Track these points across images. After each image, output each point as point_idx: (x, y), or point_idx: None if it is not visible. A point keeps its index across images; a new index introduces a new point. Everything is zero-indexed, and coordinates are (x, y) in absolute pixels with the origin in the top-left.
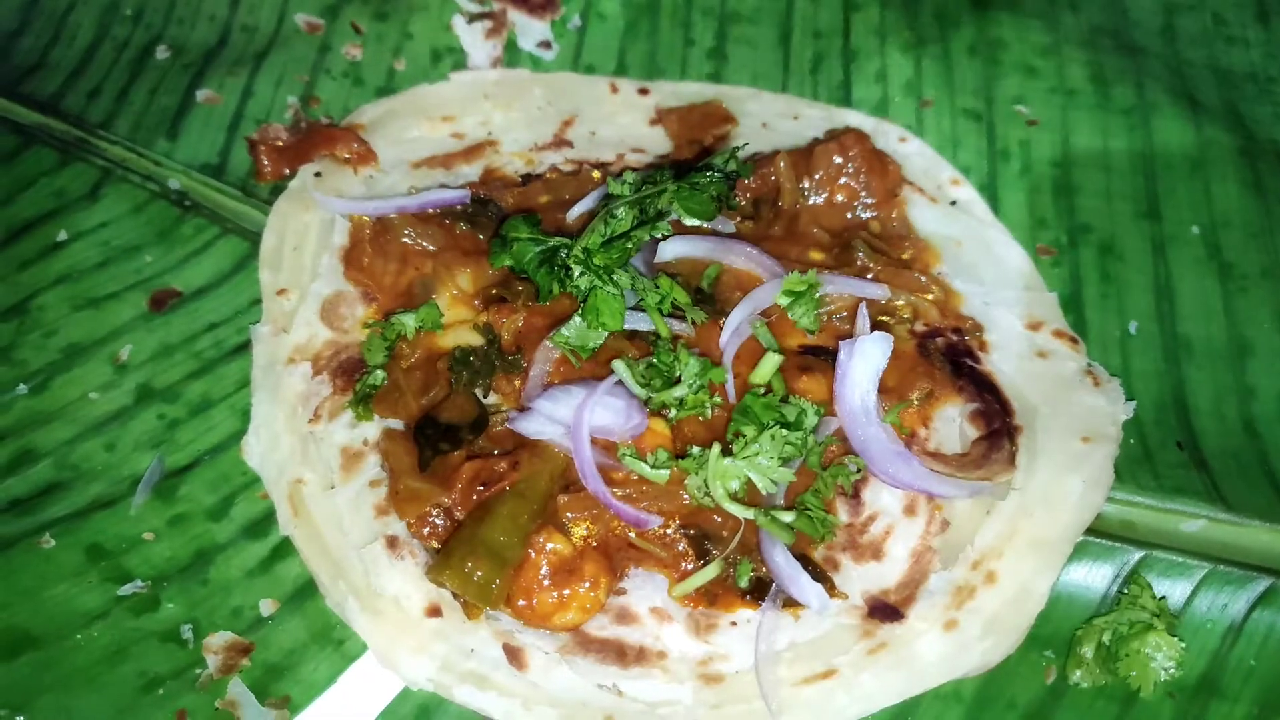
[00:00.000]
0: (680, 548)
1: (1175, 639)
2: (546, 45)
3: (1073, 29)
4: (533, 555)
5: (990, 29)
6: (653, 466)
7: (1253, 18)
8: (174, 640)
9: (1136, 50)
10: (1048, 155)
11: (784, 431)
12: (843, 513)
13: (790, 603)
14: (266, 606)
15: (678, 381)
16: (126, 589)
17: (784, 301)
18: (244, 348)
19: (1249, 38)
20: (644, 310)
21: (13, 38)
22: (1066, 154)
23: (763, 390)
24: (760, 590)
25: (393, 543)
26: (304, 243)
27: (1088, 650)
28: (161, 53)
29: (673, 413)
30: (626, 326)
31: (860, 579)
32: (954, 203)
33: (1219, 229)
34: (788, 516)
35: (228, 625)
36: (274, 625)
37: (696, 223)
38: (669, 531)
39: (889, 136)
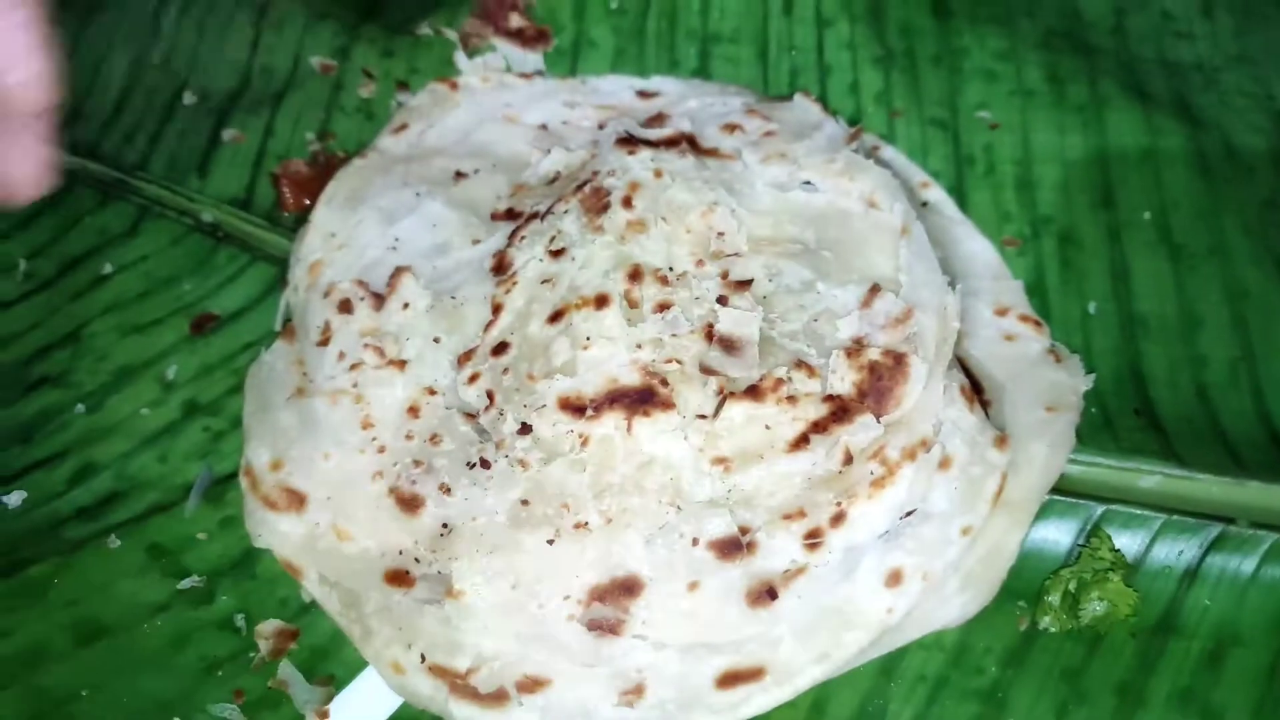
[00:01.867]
0: None
1: (1131, 590)
2: (539, 74)
3: (1029, 33)
4: None
5: (952, 38)
6: None
7: (1198, 12)
8: (229, 628)
9: (1090, 49)
10: (1009, 155)
11: None
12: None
13: None
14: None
15: None
16: (185, 583)
17: None
18: None
19: (1195, 31)
20: None
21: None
22: (1027, 152)
23: None
24: None
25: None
26: None
27: (1055, 599)
28: (189, 98)
29: None
30: None
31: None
32: (925, 204)
33: (1169, 212)
34: None
35: (275, 614)
36: (317, 612)
37: None
38: None
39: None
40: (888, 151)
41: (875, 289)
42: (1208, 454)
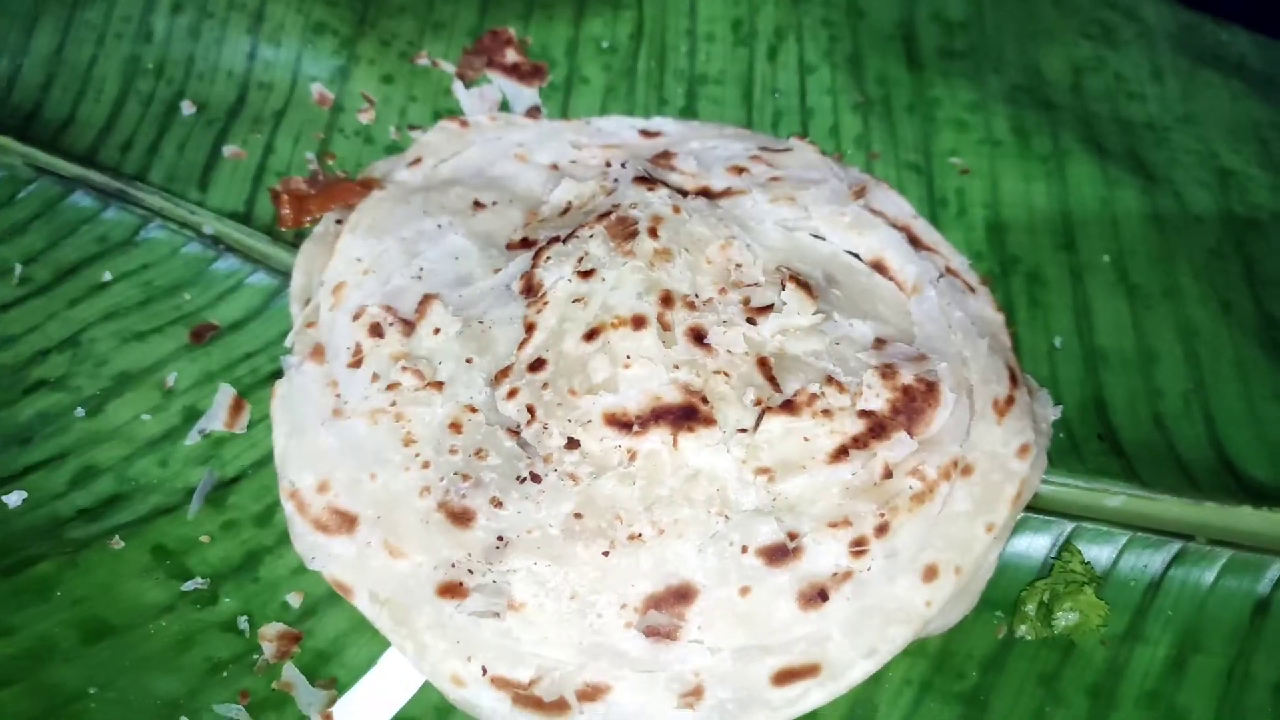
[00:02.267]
0: None
1: (1101, 601)
2: (537, 111)
3: (996, 88)
4: None
5: (926, 89)
6: None
7: (1148, 76)
8: (233, 630)
9: (1051, 105)
10: (980, 199)
11: None
12: None
13: None
14: (296, 599)
15: None
16: (189, 585)
17: None
18: (277, 374)
19: (1146, 93)
20: None
21: (42, 91)
22: (996, 197)
23: None
24: None
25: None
26: None
27: (1030, 608)
28: (187, 109)
29: None
30: None
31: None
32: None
33: (1126, 256)
34: None
35: (278, 617)
36: (319, 616)
37: None
38: None
39: None
40: (879, 192)
41: (881, 342)
42: (1167, 476)
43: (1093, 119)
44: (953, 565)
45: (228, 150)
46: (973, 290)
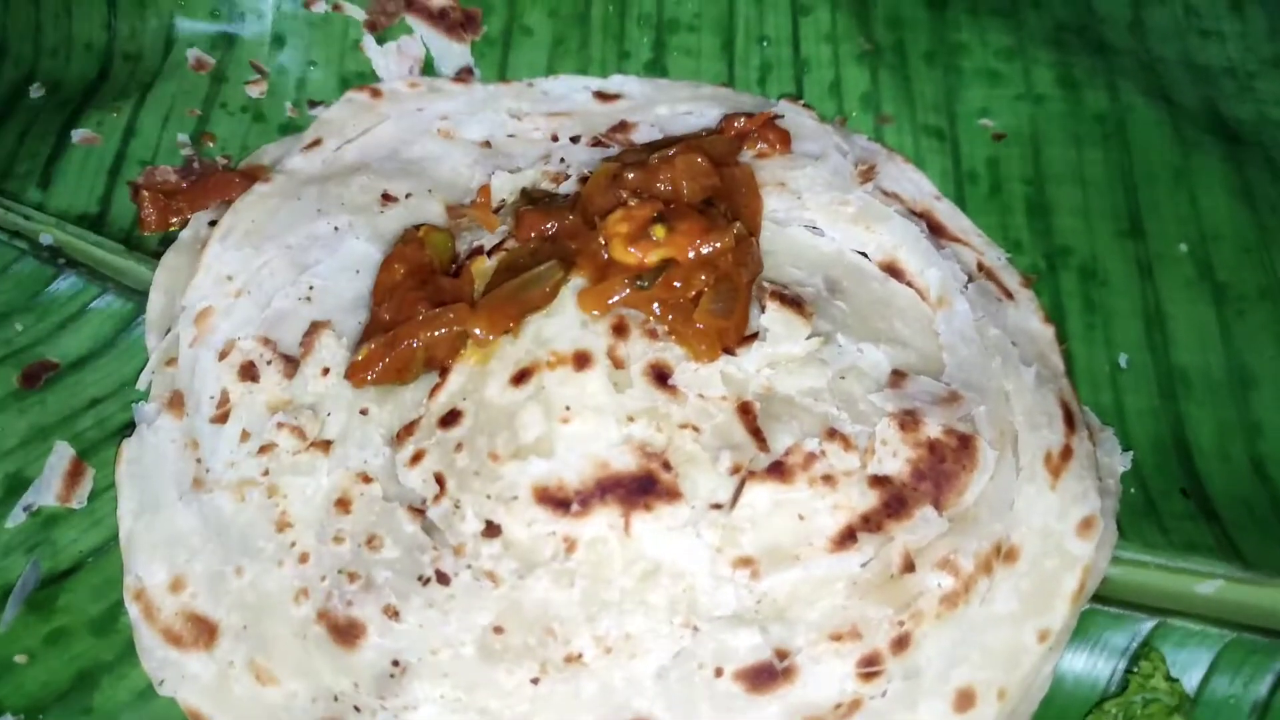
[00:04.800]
0: None
1: None
2: (469, 73)
3: (1036, 28)
4: None
5: (949, 32)
6: None
7: (1226, 8)
8: None
9: (1106, 48)
10: (1018, 172)
11: None
12: None
13: None
14: None
15: None
16: None
17: None
18: (131, 427)
19: (1224, 30)
20: None
21: None
22: (1039, 169)
23: None
24: None
25: None
26: None
27: None
28: (35, 91)
29: None
30: None
31: None
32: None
33: (1209, 245)
34: None
35: None
36: None
37: None
38: None
39: None
40: (891, 168)
41: (899, 376)
42: (1275, 550)
43: (1158, 65)
44: (994, 687)
45: (78, 135)
46: (1011, 296)
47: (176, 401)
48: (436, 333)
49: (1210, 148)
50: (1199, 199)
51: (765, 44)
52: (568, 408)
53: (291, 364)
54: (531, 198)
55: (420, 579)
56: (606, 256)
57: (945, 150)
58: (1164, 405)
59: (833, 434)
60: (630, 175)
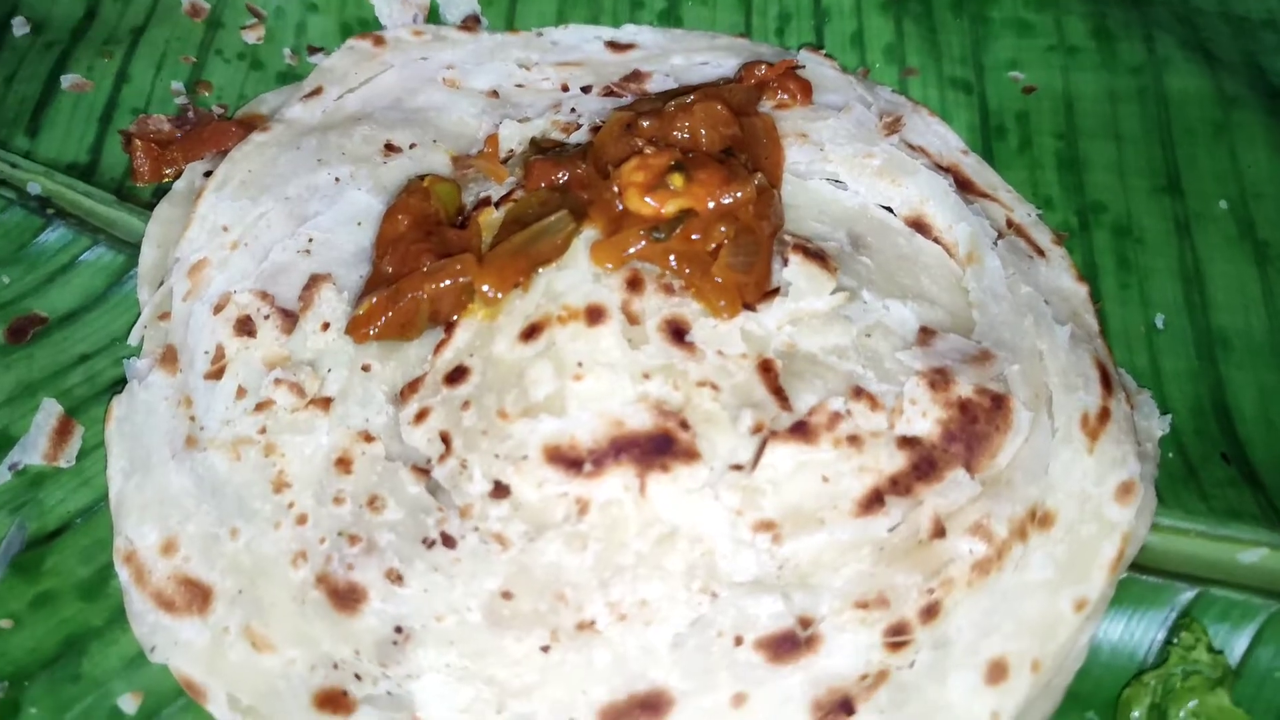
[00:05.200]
0: None
1: (1236, 709)
2: (475, 21)
3: None
4: None
5: None
6: None
7: None
8: None
9: None
10: (1049, 126)
11: None
12: None
13: None
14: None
15: None
16: None
17: None
18: (122, 384)
19: None
20: None
21: None
22: (1070, 124)
23: None
24: None
25: None
26: None
27: (1137, 713)
28: (19, 28)
29: None
30: None
31: None
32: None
33: (1250, 203)
34: None
35: None
36: None
37: None
38: None
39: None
40: (917, 121)
41: (928, 333)
42: None
43: (1196, 17)
44: (1028, 659)
45: (68, 80)
46: (1042, 254)
47: (169, 357)
48: (441, 285)
49: (1251, 102)
50: (1239, 155)
51: None
52: (580, 364)
53: (290, 319)
54: (541, 147)
55: (424, 542)
56: (621, 207)
57: (972, 104)
58: (1203, 368)
59: (859, 393)
60: (646, 123)
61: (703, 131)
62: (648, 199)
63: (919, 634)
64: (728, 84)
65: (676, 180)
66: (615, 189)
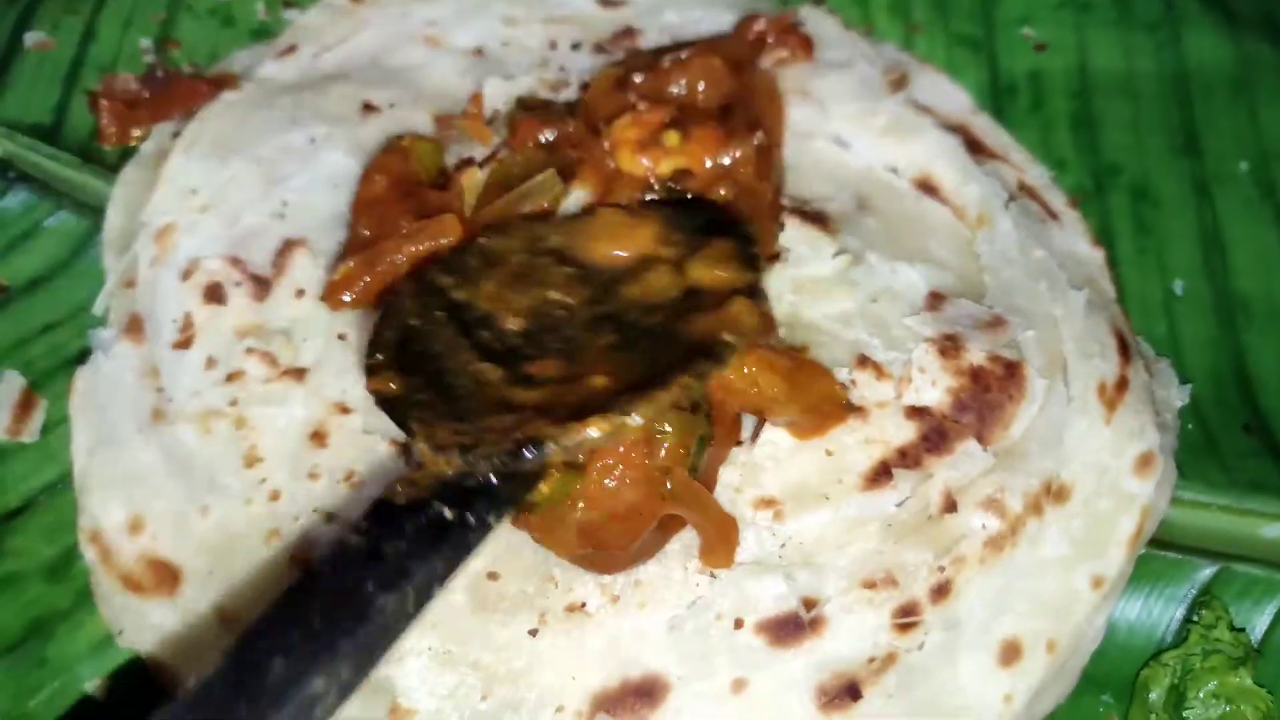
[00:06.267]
0: None
1: (1259, 689)
2: None
3: None
4: None
5: None
6: None
7: None
8: None
9: None
10: (1062, 85)
11: None
12: None
13: None
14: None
15: None
16: None
17: None
18: (87, 354)
19: None
20: None
21: None
22: (1084, 82)
23: None
24: None
25: None
26: None
27: (1155, 695)
28: None
29: None
30: None
31: None
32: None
33: (1271, 163)
34: None
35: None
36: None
37: None
38: None
39: None
40: (924, 80)
41: (937, 298)
42: None
43: None
44: (1043, 639)
45: (31, 39)
46: (1056, 217)
47: (135, 326)
48: (422, 247)
49: (1271, 60)
50: (1260, 114)
51: None
52: None
53: (262, 285)
54: (528, 105)
55: None
56: (613, 165)
57: (981, 61)
58: (1223, 335)
59: (864, 361)
60: (639, 79)
61: (700, 86)
62: (641, 158)
63: (929, 614)
64: (724, 39)
65: (671, 138)
66: (606, 146)
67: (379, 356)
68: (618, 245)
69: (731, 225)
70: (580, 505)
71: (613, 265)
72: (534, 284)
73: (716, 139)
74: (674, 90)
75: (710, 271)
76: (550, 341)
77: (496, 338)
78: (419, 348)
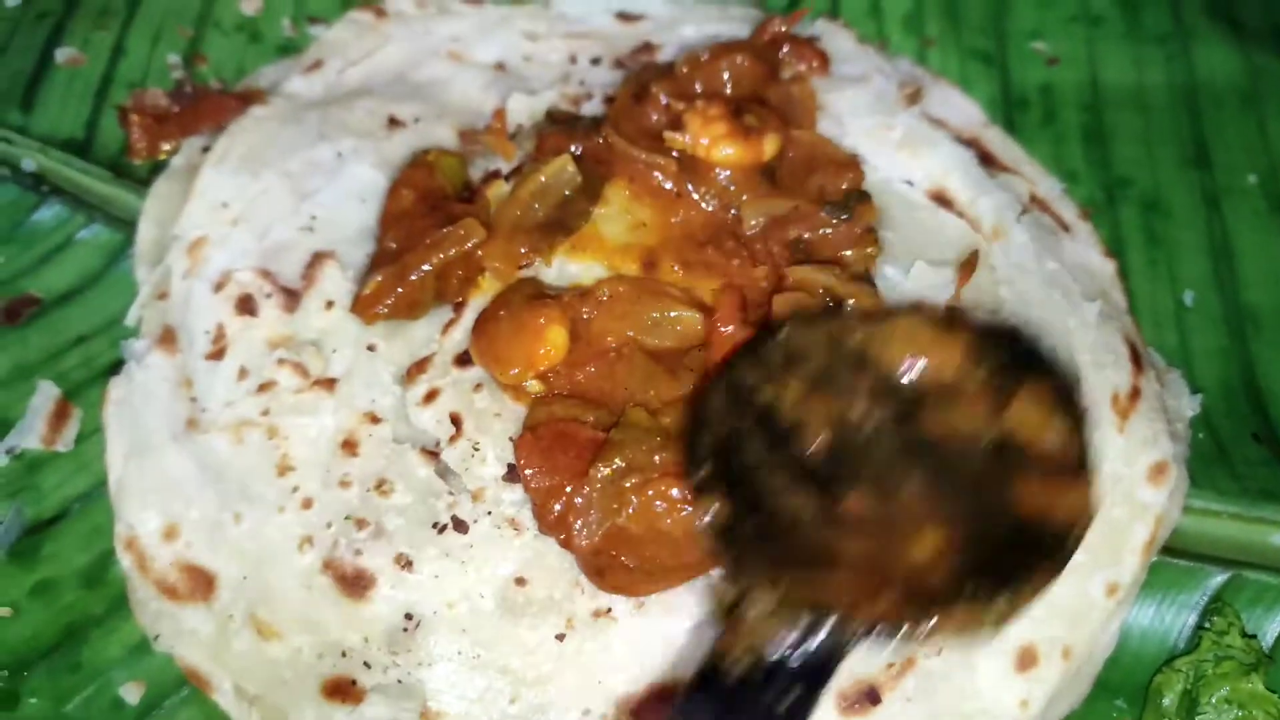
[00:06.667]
0: None
1: (1272, 694)
2: None
3: None
4: None
5: None
6: None
7: None
8: None
9: None
10: (1074, 98)
11: None
12: None
13: None
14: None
15: None
16: None
17: None
18: (120, 365)
19: None
20: None
21: None
22: (1095, 95)
23: None
24: None
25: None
26: None
27: (1168, 700)
28: None
29: None
30: None
31: None
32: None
33: None
34: None
35: (109, 719)
36: (167, 717)
37: None
38: None
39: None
40: (937, 93)
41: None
42: None
43: None
44: (1058, 645)
45: (63, 54)
46: (1068, 229)
47: (168, 337)
48: (449, 254)
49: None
50: (1269, 126)
51: None
52: None
53: (292, 297)
54: (554, 119)
55: (435, 526)
56: (702, 156)
57: (993, 75)
58: (1233, 346)
59: None
60: (660, 85)
61: (725, 76)
62: (725, 150)
63: None
64: (741, 40)
65: (752, 119)
66: (675, 155)
67: (705, 470)
68: (921, 359)
69: (1045, 363)
70: (627, 511)
71: (914, 384)
72: (838, 392)
73: (776, 121)
74: (697, 88)
75: (1031, 423)
76: (853, 468)
77: (803, 458)
78: (736, 461)
